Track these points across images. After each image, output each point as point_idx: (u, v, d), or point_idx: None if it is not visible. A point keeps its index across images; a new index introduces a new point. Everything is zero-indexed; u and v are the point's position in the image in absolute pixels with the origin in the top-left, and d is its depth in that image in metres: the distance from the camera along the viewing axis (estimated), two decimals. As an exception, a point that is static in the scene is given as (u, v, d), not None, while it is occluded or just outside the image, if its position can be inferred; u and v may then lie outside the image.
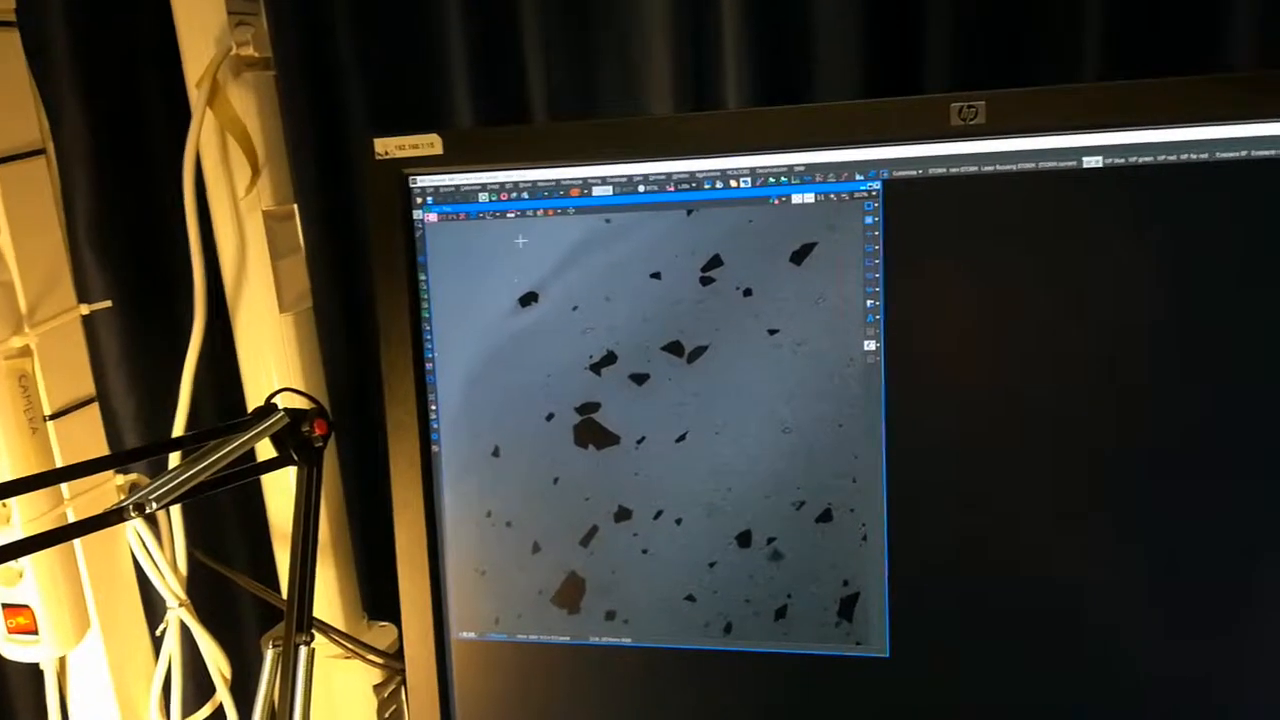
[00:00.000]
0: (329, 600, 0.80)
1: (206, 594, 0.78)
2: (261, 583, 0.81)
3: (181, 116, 0.74)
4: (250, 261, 0.75)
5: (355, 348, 0.91)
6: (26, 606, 0.69)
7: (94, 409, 0.72)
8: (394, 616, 0.85)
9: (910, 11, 0.77)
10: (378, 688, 0.81)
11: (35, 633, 0.69)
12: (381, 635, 0.84)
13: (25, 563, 0.68)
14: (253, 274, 0.75)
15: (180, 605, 0.75)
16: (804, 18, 0.77)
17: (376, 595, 0.86)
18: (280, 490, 0.79)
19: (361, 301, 0.90)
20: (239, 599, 0.94)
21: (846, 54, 0.77)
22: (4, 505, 0.67)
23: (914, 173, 0.57)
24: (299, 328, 0.77)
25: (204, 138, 0.72)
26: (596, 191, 0.62)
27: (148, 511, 0.60)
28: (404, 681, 0.83)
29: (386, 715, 0.82)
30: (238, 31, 0.71)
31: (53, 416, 0.68)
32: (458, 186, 0.64)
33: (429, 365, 0.66)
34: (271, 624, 0.83)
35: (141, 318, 0.88)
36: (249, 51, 0.71)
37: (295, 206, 0.78)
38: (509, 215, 0.63)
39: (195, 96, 0.71)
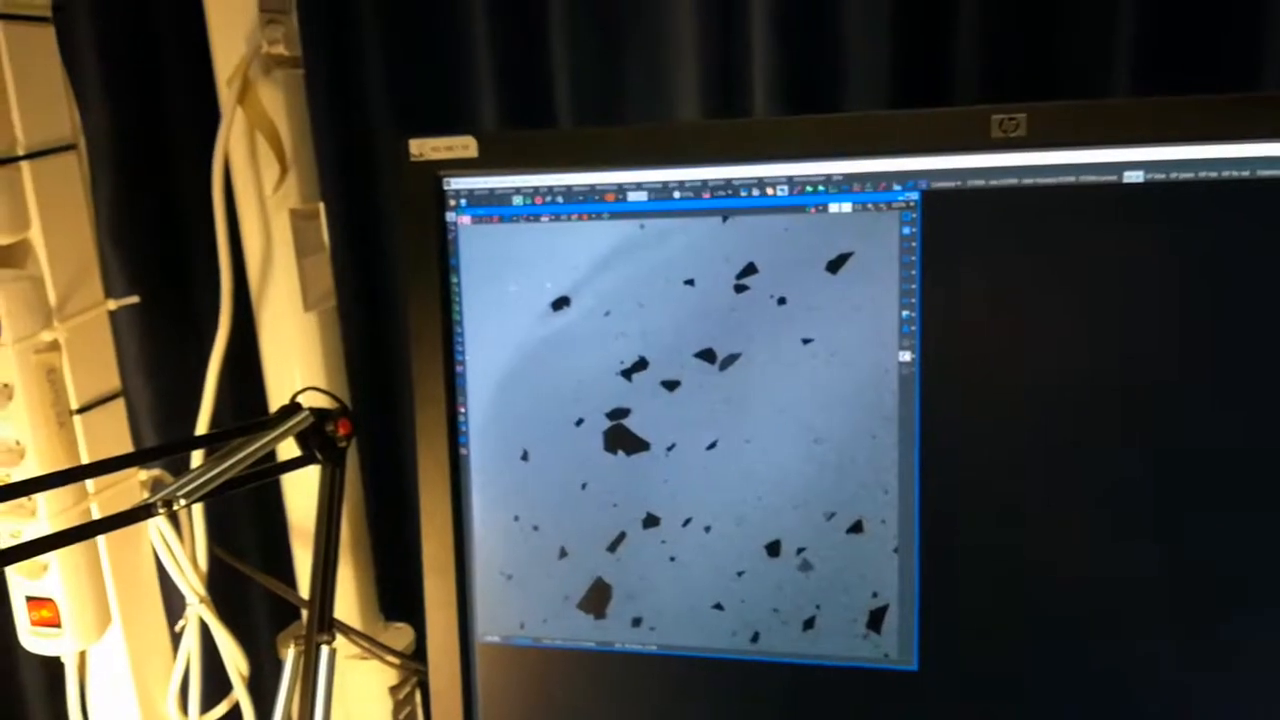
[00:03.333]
0: (347, 600, 0.80)
1: (220, 593, 0.78)
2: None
3: (205, 113, 0.74)
4: (276, 260, 0.75)
5: (374, 347, 0.90)
6: (50, 599, 0.69)
7: (120, 404, 0.72)
8: (409, 618, 0.85)
9: (939, 19, 0.77)
10: (393, 689, 0.81)
11: (58, 626, 0.69)
12: (398, 636, 0.83)
13: (50, 556, 0.68)
14: (278, 272, 0.75)
15: (200, 602, 0.75)
16: (833, 26, 0.77)
17: (391, 596, 0.85)
18: (300, 489, 0.79)
19: (382, 301, 0.90)
20: (252, 598, 0.94)
21: (876, 62, 0.77)
22: (30, 499, 0.67)
23: (953, 184, 0.57)
24: (323, 327, 0.77)
25: (232, 135, 0.72)
26: (631, 197, 0.62)
27: (175, 508, 0.60)
28: (420, 683, 0.83)
29: (401, 717, 0.82)
30: (268, 29, 0.71)
31: (79, 411, 0.68)
32: (492, 190, 0.64)
33: (459, 368, 0.66)
34: (285, 624, 0.83)
35: (161, 315, 0.88)
36: (279, 50, 0.71)
37: (321, 205, 0.78)
38: (543, 219, 0.63)
39: (225, 94, 0.71)
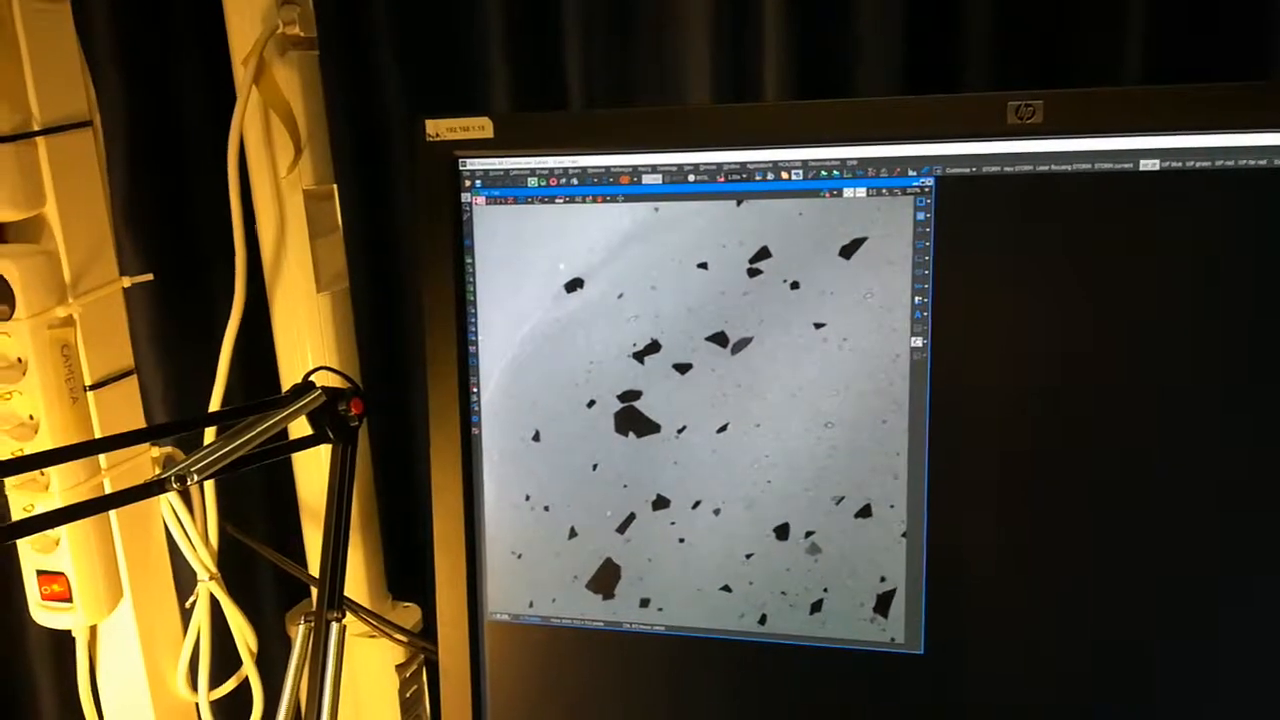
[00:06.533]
0: (356, 579, 0.80)
1: (230, 569, 0.78)
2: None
3: (220, 94, 0.74)
4: (289, 240, 0.75)
5: (386, 328, 0.91)
6: (61, 574, 0.69)
7: (133, 381, 0.72)
8: (416, 597, 0.85)
9: (952, 5, 0.77)
10: (400, 667, 0.81)
11: (69, 600, 0.70)
12: (405, 615, 0.84)
13: (61, 530, 0.68)
14: (291, 253, 0.75)
15: (211, 578, 0.76)
16: (846, 11, 0.77)
17: (399, 576, 0.86)
18: (311, 468, 0.79)
19: (394, 282, 0.91)
20: (260, 576, 0.95)
21: (889, 48, 0.77)
22: (42, 474, 0.67)
23: (968, 170, 0.57)
24: (335, 307, 0.77)
25: (247, 115, 0.72)
26: (646, 180, 0.62)
27: (188, 484, 0.60)
28: (426, 661, 0.83)
29: (408, 694, 0.82)
30: (284, 10, 0.71)
31: (93, 387, 0.68)
32: (507, 170, 0.64)
33: (472, 348, 0.66)
34: (293, 602, 0.84)
35: (175, 294, 0.88)
36: (295, 30, 0.71)
37: (335, 186, 0.78)
38: (557, 201, 0.63)
39: (241, 74, 0.71)
